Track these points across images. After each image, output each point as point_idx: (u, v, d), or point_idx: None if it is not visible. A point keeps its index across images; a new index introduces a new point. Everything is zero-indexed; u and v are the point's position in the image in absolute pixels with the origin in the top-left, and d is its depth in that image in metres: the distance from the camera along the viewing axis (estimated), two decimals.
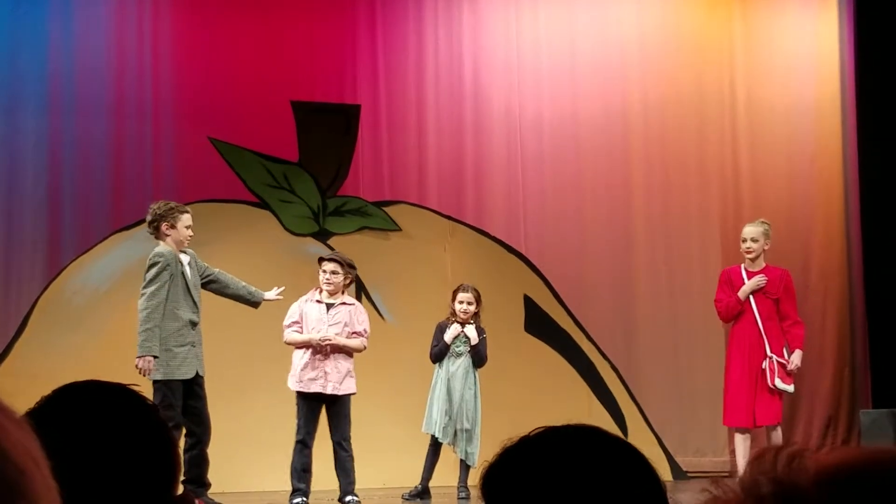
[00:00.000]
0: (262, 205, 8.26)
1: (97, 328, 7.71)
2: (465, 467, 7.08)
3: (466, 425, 7.02)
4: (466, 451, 7.04)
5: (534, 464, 1.23)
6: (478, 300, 7.16)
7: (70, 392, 1.46)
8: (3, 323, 7.72)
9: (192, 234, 6.56)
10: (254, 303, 6.80)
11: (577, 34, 8.77)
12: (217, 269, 6.75)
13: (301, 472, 6.62)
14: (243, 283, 6.79)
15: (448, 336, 7.10)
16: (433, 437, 7.10)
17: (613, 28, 8.81)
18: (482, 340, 7.13)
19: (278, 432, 7.21)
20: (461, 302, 7.13)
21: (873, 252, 8.82)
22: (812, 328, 8.84)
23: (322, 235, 8.25)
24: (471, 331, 7.11)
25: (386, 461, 7.79)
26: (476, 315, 7.16)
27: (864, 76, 8.92)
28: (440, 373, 7.14)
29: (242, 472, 7.60)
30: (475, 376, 7.13)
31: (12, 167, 7.87)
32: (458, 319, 7.12)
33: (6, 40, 7.88)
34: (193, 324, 6.44)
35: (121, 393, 1.48)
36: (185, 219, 6.51)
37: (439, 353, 7.14)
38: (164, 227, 6.50)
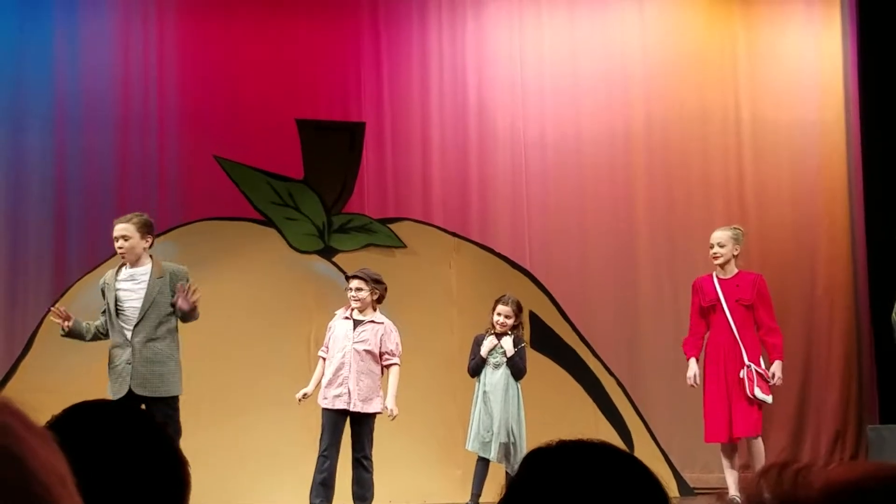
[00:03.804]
0: (268, 222, 8.27)
1: (103, 346, 7.70)
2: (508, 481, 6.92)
3: (503, 439, 6.87)
4: (512, 466, 6.87)
5: (550, 477, 1.24)
6: (517, 313, 7.03)
7: (79, 411, 1.47)
8: (9, 341, 7.73)
9: (116, 245, 6.25)
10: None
11: (581, 52, 8.80)
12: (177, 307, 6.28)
13: (319, 485, 6.60)
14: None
15: (484, 349, 6.99)
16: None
17: (616, 45, 8.83)
18: (519, 351, 7.00)
19: (289, 447, 7.21)
20: (499, 314, 7.00)
21: (879, 266, 8.82)
22: (818, 342, 8.83)
23: (327, 253, 8.26)
24: (507, 342, 6.97)
25: (392, 478, 7.77)
26: (515, 327, 7.04)
27: (868, 91, 8.94)
28: (478, 387, 7.04)
29: (252, 488, 7.59)
30: (517, 388, 6.99)
31: (18, 185, 7.89)
32: (494, 331, 7.01)
33: (12, 58, 7.91)
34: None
35: (130, 412, 1.48)
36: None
37: (476, 366, 7.04)
38: None
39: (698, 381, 7.01)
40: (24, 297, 7.82)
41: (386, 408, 6.67)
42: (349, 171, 8.39)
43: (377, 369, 6.71)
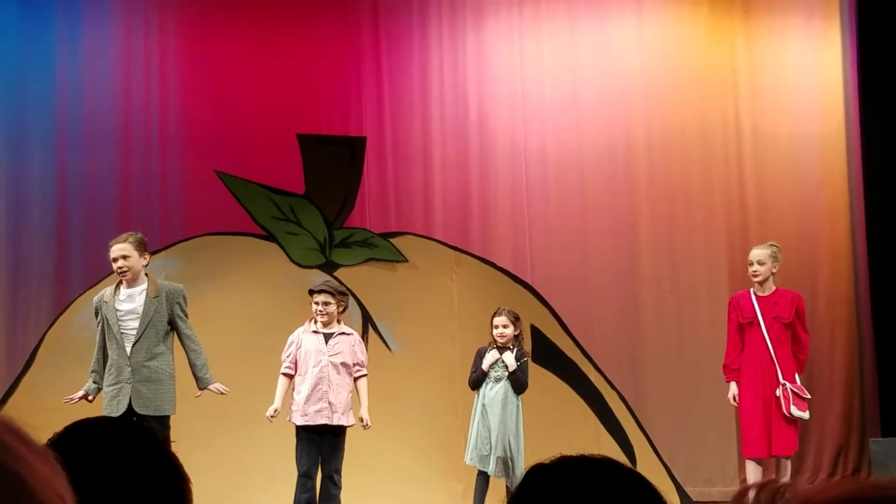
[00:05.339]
0: (269, 237, 8.28)
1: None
2: (509, 495, 6.83)
3: (500, 453, 6.84)
4: (511, 480, 6.85)
5: (551, 493, 1.23)
6: (515, 322, 6.99)
7: (80, 429, 1.46)
8: (11, 357, 7.73)
9: (117, 266, 6.28)
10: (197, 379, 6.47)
11: (581, 66, 8.81)
12: (186, 330, 6.35)
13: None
14: (199, 364, 6.37)
15: (485, 363, 6.95)
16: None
17: (617, 59, 8.85)
18: (522, 364, 6.96)
19: (291, 461, 7.18)
20: (496, 326, 6.97)
21: (880, 280, 8.81)
22: (821, 357, 8.81)
23: (329, 267, 8.26)
24: (508, 356, 6.93)
25: (393, 491, 7.76)
26: (516, 338, 7.00)
27: (868, 104, 8.95)
28: (477, 400, 7.01)
29: (254, 502, 7.58)
30: (516, 403, 6.95)
31: (19, 202, 7.90)
32: (496, 345, 6.99)
33: (13, 75, 7.93)
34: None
35: (131, 429, 1.48)
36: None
37: (476, 379, 7.01)
38: None
39: (737, 401, 7.06)
40: (26, 313, 7.82)
41: (361, 419, 6.66)
42: (350, 185, 8.40)
43: (350, 381, 6.71)
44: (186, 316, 6.36)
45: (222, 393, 6.42)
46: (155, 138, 8.13)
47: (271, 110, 8.27)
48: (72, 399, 6.28)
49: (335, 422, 6.59)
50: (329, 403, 6.59)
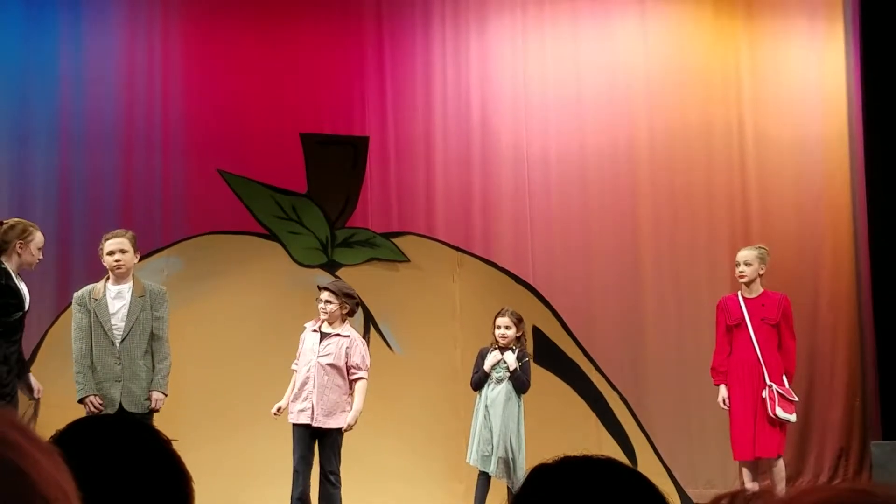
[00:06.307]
0: (271, 236, 8.28)
1: None
2: (511, 496, 6.85)
3: (501, 454, 6.83)
4: (512, 481, 6.86)
5: (554, 492, 1.23)
6: (517, 324, 7.00)
7: (84, 426, 1.47)
8: None
9: (114, 259, 6.29)
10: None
11: (584, 67, 8.81)
12: (159, 332, 6.34)
13: (297, 500, 6.56)
14: (160, 367, 6.33)
15: (487, 363, 6.96)
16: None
17: (620, 61, 8.85)
18: (524, 365, 6.97)
19: (286, 460, 7.20)
20: (499, 327, 6.98)
21: (883, 283, 8.81)
22: (822, 359, 8.82)
23: (330, 267, 8.26)
24: (509, 357, 6.94)
25: (394, 492, 7.76)
26: (518, 339, 7.02)
27: (871, 107, 8.95)
28: (479, 400, 7.02)
29: (256, 500, 7.59)
30: (518, 403, 6.95)
31: (22, 201, 7.89)
32: (498, 345, 6.99)
33: (16, 75, 7.93)
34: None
35: (134, 426, 1.48)
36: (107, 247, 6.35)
37: (478, 380, 7.02)
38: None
39: (727, 404, 7.05)
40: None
41: (347, 423, 6.57)
42: (353, 185, 8.40)
43: (344, 383, 6.61)
44: (165, 319, 6.36)
45: (156, 405, 6.29)
46: (158, 137, 8.14)
47: (274, 110, 8.27)
48: (99, 410, 6.23)
49: (316, 423, 6.51)
50: (312, 405, 6.53)
